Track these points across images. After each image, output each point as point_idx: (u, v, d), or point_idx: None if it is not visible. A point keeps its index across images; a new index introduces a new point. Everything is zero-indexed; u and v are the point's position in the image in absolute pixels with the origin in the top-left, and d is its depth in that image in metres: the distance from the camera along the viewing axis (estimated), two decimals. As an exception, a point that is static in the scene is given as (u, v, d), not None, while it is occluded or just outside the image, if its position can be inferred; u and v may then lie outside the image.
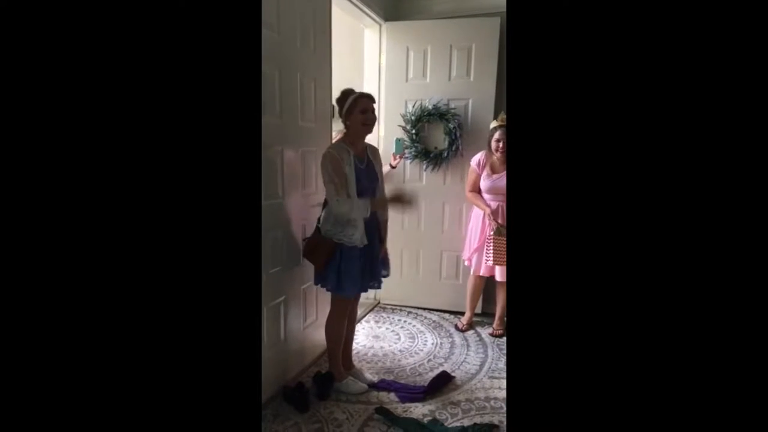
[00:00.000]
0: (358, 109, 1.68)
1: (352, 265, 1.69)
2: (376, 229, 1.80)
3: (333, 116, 2.19)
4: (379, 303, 2.92)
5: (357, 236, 1.67)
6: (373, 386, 1.90)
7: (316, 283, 1.85)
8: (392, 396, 1.83)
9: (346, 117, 1.71)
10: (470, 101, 2.61)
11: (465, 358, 2.21)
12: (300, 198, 1.91)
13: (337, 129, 2.00)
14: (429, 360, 2.19)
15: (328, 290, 1.80)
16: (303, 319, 2.02)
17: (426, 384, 1.90)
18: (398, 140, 2.64)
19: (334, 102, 1.77)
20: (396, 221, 2.82)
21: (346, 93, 1.72)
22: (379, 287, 1.90)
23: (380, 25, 2.65)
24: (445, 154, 2.64)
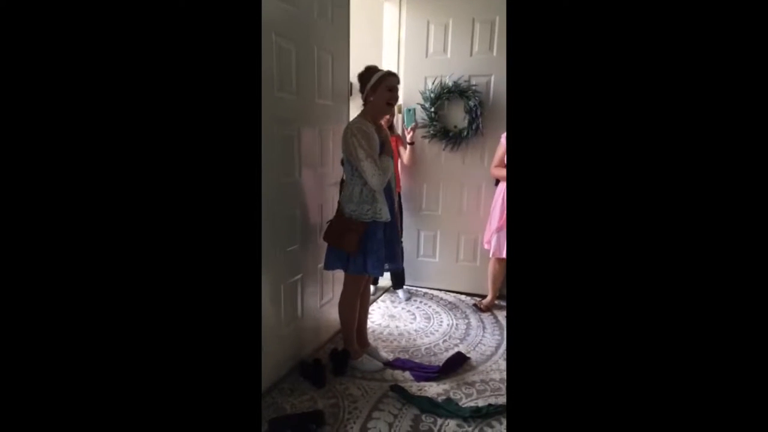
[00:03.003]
0: (385, 86, 1.65)
1: (378, 243, 1.69)
2: (393, 204, 1.78)
3: (351, 94, 2.15)
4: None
5: (385, 210, 1.67)
6: (389, 364, 1.92)
7: (330, 268, 1.79)
8: (407, 374, 1.85)
9: (369, 93, 1.66)
10: (492, 77, 2.52)
11: (481, 339, 2.21)
12: (317, 177, 1.90)
13: (356, 107, 1.96)
14: (444, 340, 2.19)
15: (349, 272, 1.75)
16: (320, 297, 2.05)
17: (441, 364, 1.91)
18: (409, 110, 2.47)
19: (354, 79, 1.72)
20: (414, 203, 2.80)
21: (371, 69, 1.69)
22: (401, 266, 1.88)
23: (400, -2, 2.57)
24: (465, 134, 2.57)
